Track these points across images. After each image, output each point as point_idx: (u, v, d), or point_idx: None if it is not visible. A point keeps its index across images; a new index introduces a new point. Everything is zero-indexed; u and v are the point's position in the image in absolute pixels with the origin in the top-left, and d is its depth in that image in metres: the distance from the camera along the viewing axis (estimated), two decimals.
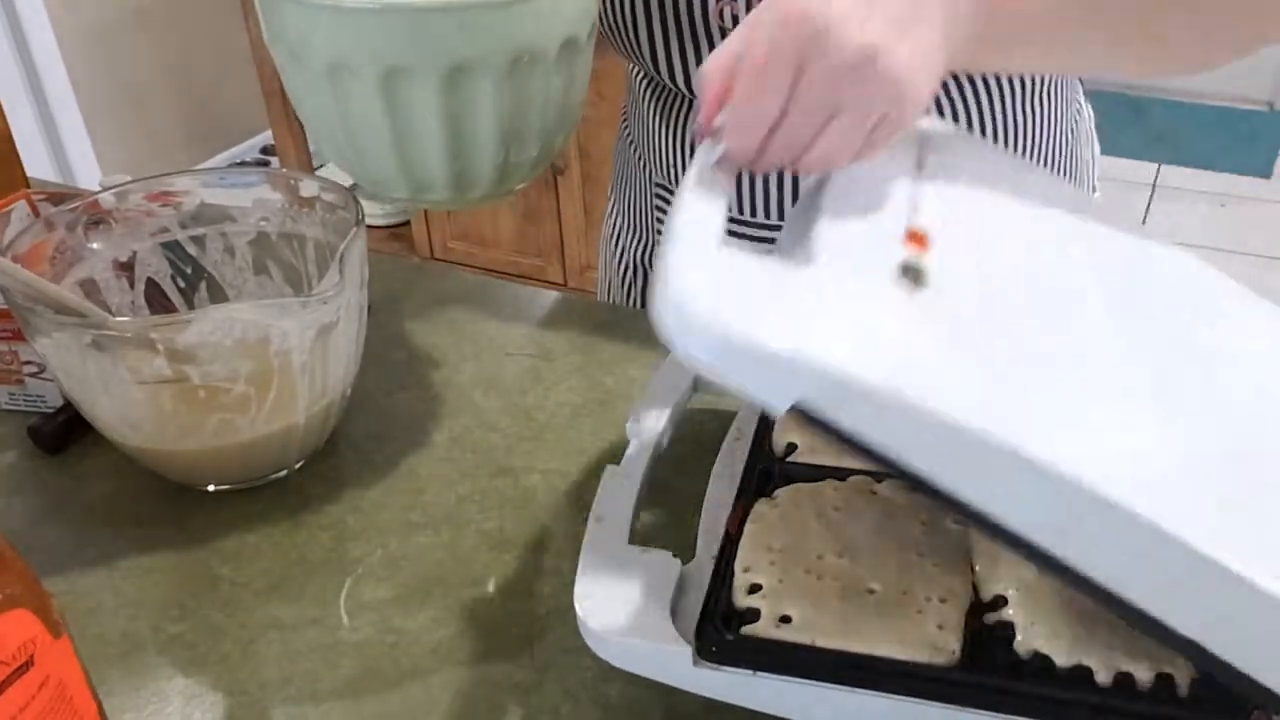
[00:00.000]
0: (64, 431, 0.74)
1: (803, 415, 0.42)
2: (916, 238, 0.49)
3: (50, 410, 0.76)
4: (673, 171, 0.84)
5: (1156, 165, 3.02)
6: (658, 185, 0.87)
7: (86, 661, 0.49)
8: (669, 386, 0.64)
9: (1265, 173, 2.96)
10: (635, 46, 0.77)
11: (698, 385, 0.64)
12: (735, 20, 0.72)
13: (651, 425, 0.60)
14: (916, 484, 0.42)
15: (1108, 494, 0.40)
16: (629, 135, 0.91)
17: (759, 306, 0.43)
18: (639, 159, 0.89)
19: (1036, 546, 0.42)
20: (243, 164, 2.96)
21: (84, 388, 0.65)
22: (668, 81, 0.79)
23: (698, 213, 0.47)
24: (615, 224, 0.97)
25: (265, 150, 3.04)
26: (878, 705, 0.47)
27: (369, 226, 0.68)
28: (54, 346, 0.63)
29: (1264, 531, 0.42)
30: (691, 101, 0.80)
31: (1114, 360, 0.47)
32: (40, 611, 0.44)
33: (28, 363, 0.75)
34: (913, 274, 0.47)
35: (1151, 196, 2.91)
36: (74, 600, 0.63)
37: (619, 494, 0.58)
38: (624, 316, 0.87)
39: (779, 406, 0.42)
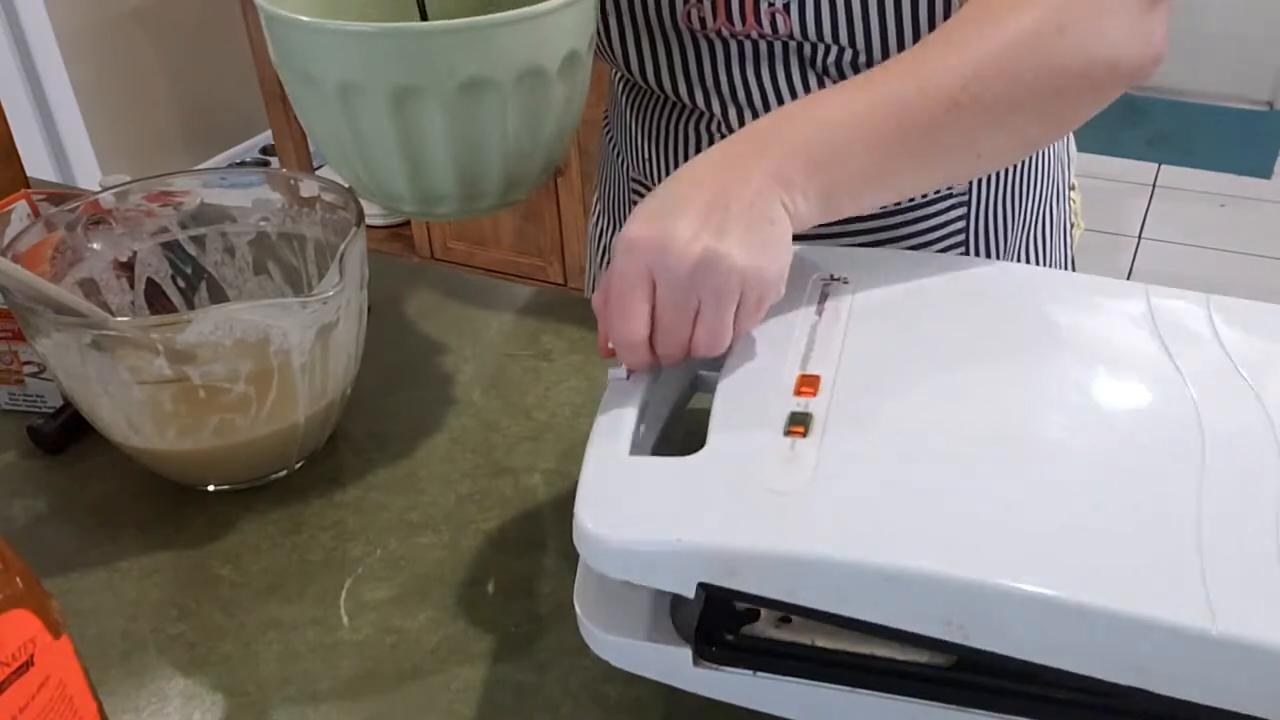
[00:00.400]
0: (64, 432, 0.74)
1: (710, 590, 0.46)
2: (807, 384, 0.53)
3: (50, 410, 0.76)
4: (646, 166, 0.84)
5: (1156, 165, 3.02)
6: (633, 180, 0.88)
7: (86, 661, 0.49)
8: (669, 386, 0.64)
9: (1265, 173, 2.96)
10: (608, 48, 0.77)
11: (697, 385, 0.64)
12: (703, 22, 0.72)
13: (651, 425, 0.60)
14: (833, 621, 0.45)
15: (994, 582, 0.43)
16: (609, 133, 0.92)
17: (652, 509, 0.48)
18: (618, 155, 0.90)
19: (944, 642, 0.44)
20: (243, 164, 2.96)
21: (84, 388, 0.65)
22: (639, 80, 0.79)
23: (605, 434, 0.53)
24: (598, 221, 0.97)
25: (265, 150, 3.04)
26: (877, 705, 0.47)
27: (369, 226, 0.69)
28: (54, 347, 0.63)
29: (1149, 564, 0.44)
30: (664, 100, 0.80)
31: (1008, 459, 0.49)
32: (40, 611, 0.44)
33: (28, 363, 0.75)
34: (798, 424, 0.51)
35: (1151, 196, 2.91)
36: (74, 600, 0.63)
37: None
38: None
39: (687, 590, 0.46)
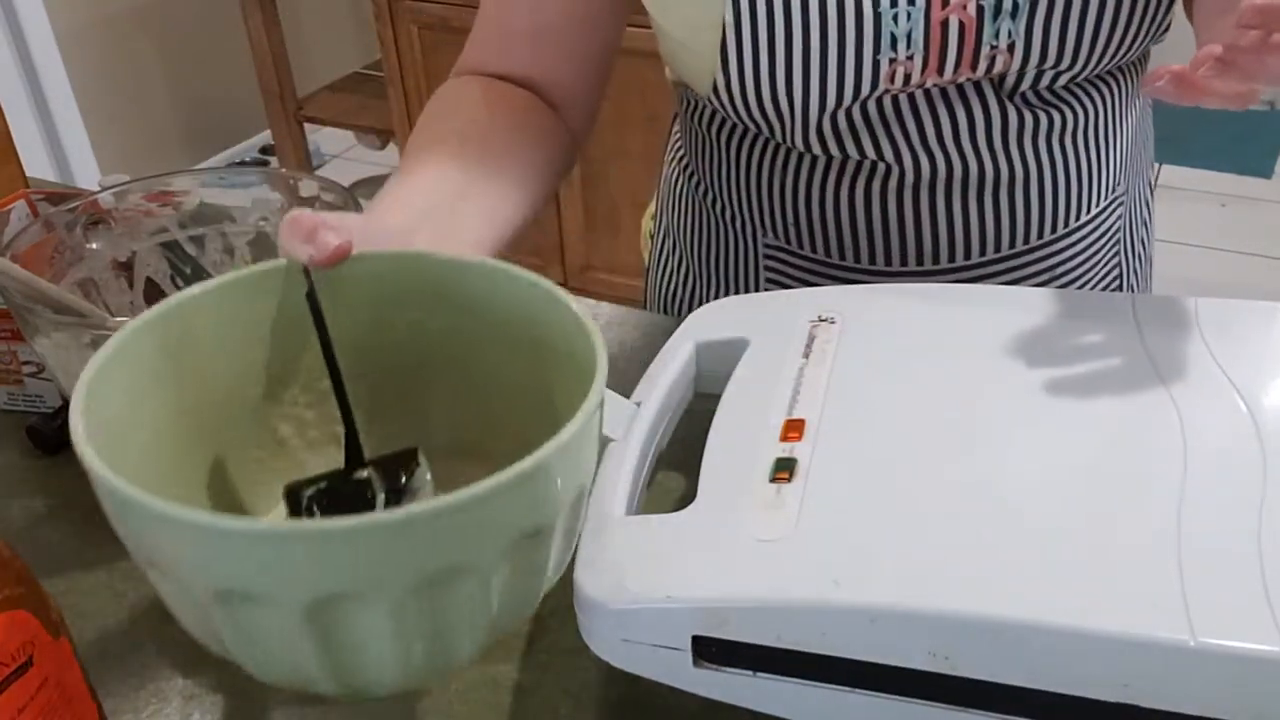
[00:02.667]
0: (63, 432, 0.74)
1: (706, 642, 0.47)
2: (793, 428, 0.54)
3: (49, 410, 0.76)
4: (790, 231, 0.79)
5: (1157, 165, 3.02)
6: (768, 247, 0.81)
7: (86, 662, 0.49)
8: (668, 386, 0.64)
9: (1266, 173, 2.96)
10: (770, 107, 0.70)
11: (698, 385, 0.64)
12: (907, 79, 0.67)
13: (652, 424, 0.60)
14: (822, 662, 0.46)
15: (974, 612, 0.43)
16: (688, 166, 0.85)
17: (644, 569, 0.49)
18: (727, 215, 0.83)
19: (935, 674, 0.45)
20: (242, 164, 2.96)
21: None
22: (792, 144, 0.73)
23: (602, 496, 0.53)
24: (685, 278, 0.90)
25: (264, 150, 3.04)
26: (877, 705, 0.47)
27: None
28: (53, 347, 0.63)
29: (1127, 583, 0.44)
30: (814, 160, 0.74)
31: (987, 488, 0.49)
32: (39, 612, 0.44)
33: (27, 363, 0.75)
34: (783, 469, 0.51)
35: (1152, 196, 2.91)
36: (73, 601, 0.63)
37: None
38: (624, 317, 0.87)
39: (682, 645, 0.47)
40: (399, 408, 0.57)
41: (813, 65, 0.67)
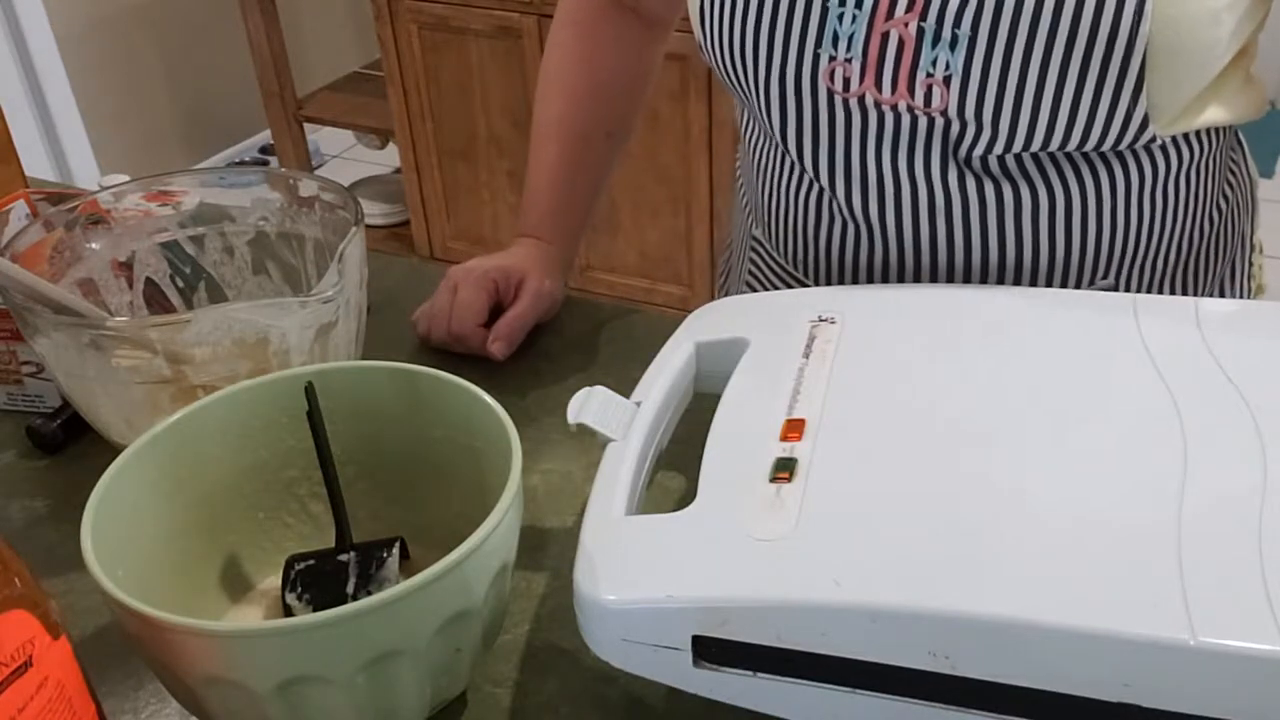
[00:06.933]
0: (63, 431, 0.74)
1: (706, 642, 0.47)
2: (793, 428, 0.54)
3: (49, 410, 0.76)
4: (766, 221, 0.82)
5: None
6: (752, 238, 0.86)
7: (85, 662, 0.49)
8: (668, 386, 0.64)
9: (1267, 173, 2.96)
10: (745, 86, 0.73)
11: (698, 385, 0.64)
12: (846, 84, 0.68)
13: (651, 424, 0.61)
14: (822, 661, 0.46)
15: (974, 612, 0.43)
16: (741, 184, 0.89)
17: (644, 569, 0.49)
18: (746, 207, 0.88)
19: (935, 674, 0.45)
20: (241, 164, 2.96)
21: (83, 388, 0.65)
22: (770, 128, 0.76)
23: (601, 497, 0.53)
24: (725, 262, 0.97)
25: (264, 150, 3.04)
26: (877, 706, 0.47)
27: (368, 226, 0.68)
28: (52, 346, 0.63)
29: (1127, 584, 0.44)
30: (791, 166, 0.77)
31: (987, 487, 0.49)
32: (39, 612, 0.44)
33: (26, 363, 0.75)
34: (783, 469, 0.51)
35: None
36: (73, 600, 0.63)
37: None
38: (624, 316, 0.87)
39: (682, 645, 0.47)
40: (395, 500, 0.63)
41: (762, 36, 0.71)
